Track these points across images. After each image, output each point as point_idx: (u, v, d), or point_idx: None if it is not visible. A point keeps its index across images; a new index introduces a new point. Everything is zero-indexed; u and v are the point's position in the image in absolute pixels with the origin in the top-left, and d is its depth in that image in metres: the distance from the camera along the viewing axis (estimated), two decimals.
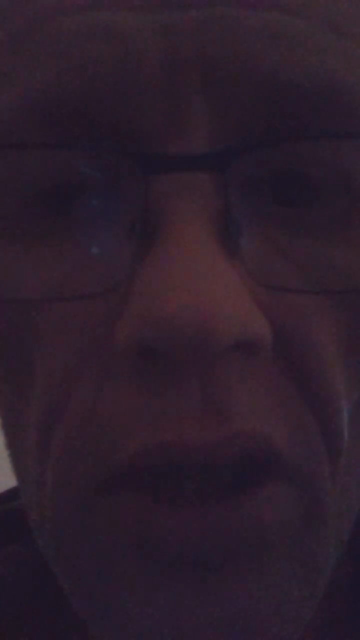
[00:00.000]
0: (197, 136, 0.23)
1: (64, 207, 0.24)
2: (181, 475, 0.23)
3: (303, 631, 0.31)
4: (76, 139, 0.23)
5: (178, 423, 0.23)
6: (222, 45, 0.23)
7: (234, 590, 0.24)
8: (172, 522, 0.23)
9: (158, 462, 0.23)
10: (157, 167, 0.23)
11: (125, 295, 0.23)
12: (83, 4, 0.24)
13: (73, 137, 0.23)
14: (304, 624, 0.26)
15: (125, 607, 0.24)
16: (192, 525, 0.23)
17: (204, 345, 0.21)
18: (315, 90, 0.23)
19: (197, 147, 0.23)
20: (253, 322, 0.22)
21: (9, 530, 0.38)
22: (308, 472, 0.24)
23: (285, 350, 0.24)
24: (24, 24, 0.24)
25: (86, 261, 0.24)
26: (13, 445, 0.28)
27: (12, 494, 0.40)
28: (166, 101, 0.23)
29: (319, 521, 0.25)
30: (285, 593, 0.25)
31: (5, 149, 0.24)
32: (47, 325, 0.24)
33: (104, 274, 0.23)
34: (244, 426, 0.23)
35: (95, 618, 0.25)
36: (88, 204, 0.24)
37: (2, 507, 0.39)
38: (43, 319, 0.24)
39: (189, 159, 0.23)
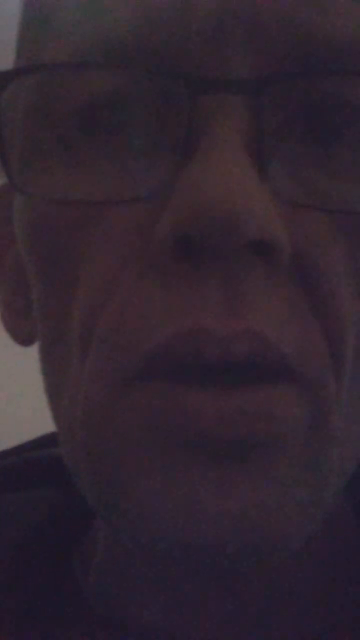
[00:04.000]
0: (239, 68, 0.27)
1: (116, 128, 0.28)
2: (202, 366, 0.26)
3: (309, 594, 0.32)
4: (137, 63, 0.27)
5: (200, 315, 0.26)
6: (264, 4, 0.27)
7: (244, 484, 0.26)
8: (190, 403, 0.26)
9: (182, 350, 0.26)
10: (202, 88, 0.26)
11: (167, 198, 0.26)
12: None
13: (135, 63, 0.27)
14: (307, 532, 0.27)
15: (139, 495, 0.26)
16: (209, 407, 0.26)
17: (228, 234, 0.25)
18: (338, 43, 0.27)
19: (238, 75, 0.27)
20: (271, 224, 0.26)
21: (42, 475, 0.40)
22: (314, 377, 0.27)
23: (300, 269, 0.27)
24: None
25: (134, 172, 0.27)
26: (51, 363, 0.31)
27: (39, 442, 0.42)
28: (215, 42, 0.27)
29: (325, 430, 0.27)
30: (290, 492, 0.26)
31: (78, 68, 0.28)
32: (94, 230, 0.28)
33: (149, 181, 0.27)
34: (254, 325, 0.26)
35: (108, 507, 0.27)
36: (137, 123, 0.28)
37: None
38: (91, 223, 0.28)
39: (229, 82, 0.26)
